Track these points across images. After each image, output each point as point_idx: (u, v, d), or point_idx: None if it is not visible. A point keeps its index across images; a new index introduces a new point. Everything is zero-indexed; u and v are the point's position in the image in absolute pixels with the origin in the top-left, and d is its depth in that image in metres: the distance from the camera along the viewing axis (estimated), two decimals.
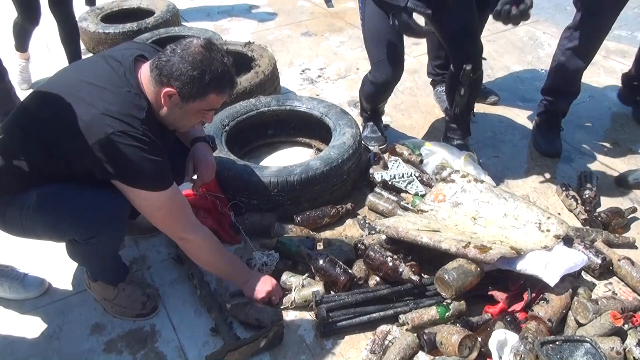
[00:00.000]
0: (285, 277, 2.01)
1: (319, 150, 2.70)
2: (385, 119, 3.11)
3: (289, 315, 1.94)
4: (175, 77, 1.57)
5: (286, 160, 2.72)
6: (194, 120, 1.74)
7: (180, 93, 1.59)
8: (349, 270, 1.97)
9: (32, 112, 1.64)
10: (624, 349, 1.70)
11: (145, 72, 1.63)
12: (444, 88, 2.91)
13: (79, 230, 1.66)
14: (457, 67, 2.42)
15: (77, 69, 1.78)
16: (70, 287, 2.07)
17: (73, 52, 3.30)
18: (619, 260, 2.05)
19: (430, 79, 3.34)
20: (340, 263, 1.98)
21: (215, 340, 1.85)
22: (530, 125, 3.00)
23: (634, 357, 1.68)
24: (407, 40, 2.71)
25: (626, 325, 1.76)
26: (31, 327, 1.92)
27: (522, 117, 3.14)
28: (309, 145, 2.83)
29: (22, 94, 3.17)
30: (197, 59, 1.57)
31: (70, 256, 1.83)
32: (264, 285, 1.92)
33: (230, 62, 1.64)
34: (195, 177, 2.03)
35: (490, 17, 2.20)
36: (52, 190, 1.64)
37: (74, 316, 1.96)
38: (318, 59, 3.86)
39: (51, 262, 2.11)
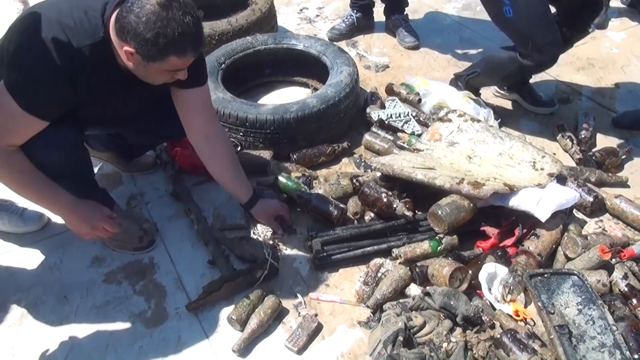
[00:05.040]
0: None
1: (316, 89, 2.68)
2: (383, 60, 3.08)
3: (285, 249, 1.98)
4: (131, 37, 1.45)
5: (283, 99, 2.70)
6: (163, 78, 1.62)
7: (138, 53, 1.48)
8: (341, 205, 2.00)
9: (12, 29, 1.57)
10: (610, 282, 1.74)
11: (112, 20, 1.52)
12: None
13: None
14: None
15: None
16: None
17: None
18: (616, 197, 2.07)
19: None
20: (331, 199, 2.01)
21: (212, 272, 1.89)
22: None
23: (619, 289, 1.72)
24: None
25: (614, 260, 1.80)
26: (32, 259, 1.96)
27: None
28: (307, 85, 2.81)
29: None
30: (151, 19, 1.41)
31: None
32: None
33: (193, 19, 1.46)
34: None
35: None
36: None
37: (74, 249, 1.99)
38: None
39: None
